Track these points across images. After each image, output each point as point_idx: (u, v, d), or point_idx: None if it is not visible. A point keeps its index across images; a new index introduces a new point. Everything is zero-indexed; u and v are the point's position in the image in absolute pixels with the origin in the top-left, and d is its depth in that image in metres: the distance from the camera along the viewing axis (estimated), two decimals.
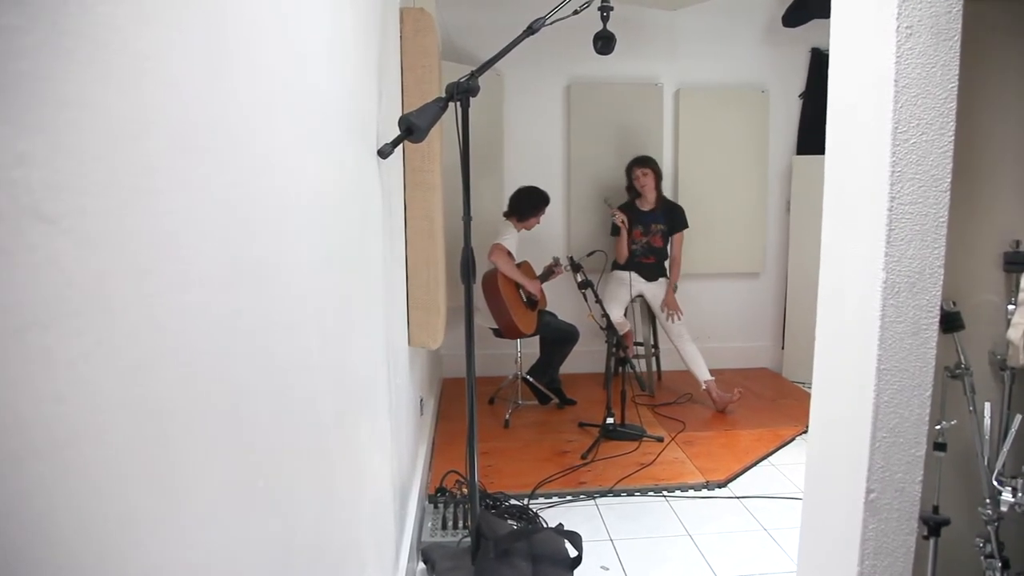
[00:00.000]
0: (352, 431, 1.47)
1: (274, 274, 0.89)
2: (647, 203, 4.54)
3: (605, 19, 2.67)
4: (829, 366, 1.52)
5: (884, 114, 1.34)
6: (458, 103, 2.00)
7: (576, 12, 2.24)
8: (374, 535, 1.77)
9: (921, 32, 1.29)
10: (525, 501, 3.07)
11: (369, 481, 1.69)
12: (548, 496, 3.16)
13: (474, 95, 2.00)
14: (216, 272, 0.69)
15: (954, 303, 1.52)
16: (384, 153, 1.94)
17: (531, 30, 2.15)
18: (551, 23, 2.18)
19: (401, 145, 2.67)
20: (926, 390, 1.40)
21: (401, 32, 2.62)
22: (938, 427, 1.50)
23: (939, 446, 1.51)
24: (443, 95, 1.97)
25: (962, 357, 1.52)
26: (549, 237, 4.99)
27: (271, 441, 0.87)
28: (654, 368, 4.85)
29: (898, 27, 1.28)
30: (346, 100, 1.51)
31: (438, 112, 1.98)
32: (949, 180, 1.37)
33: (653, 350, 4.83)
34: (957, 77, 1.31)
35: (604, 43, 2.48)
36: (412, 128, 1.93)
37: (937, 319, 1.41)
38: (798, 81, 5.15)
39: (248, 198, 0.79)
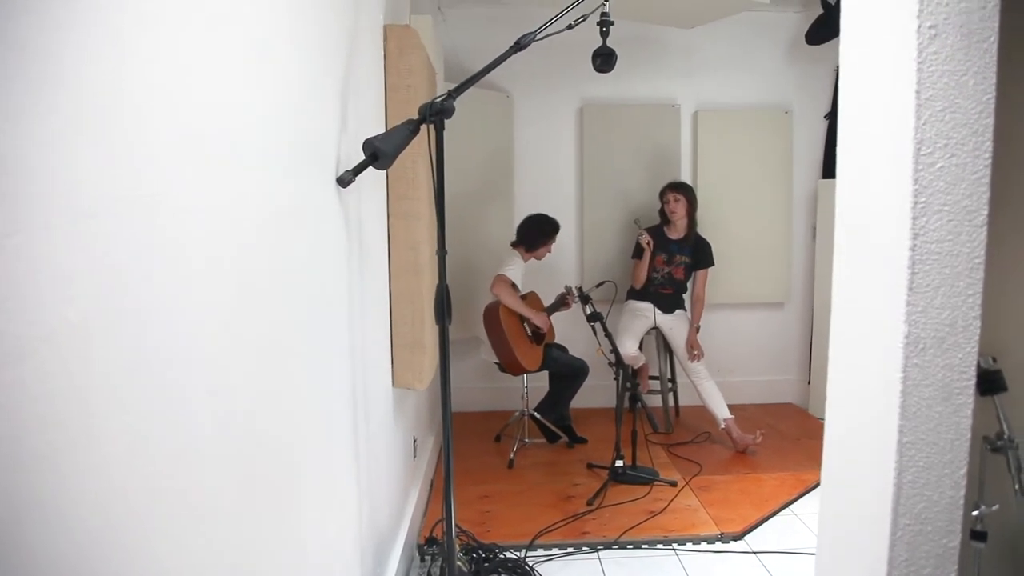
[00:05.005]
0: (283, 511, 1.26)
1: (113, 343, 0.69)
2: (676, 231, 4.34)
3: (604, 34, 2.47)
4: (840, 438, 1.28)
5: (904, 133, 1.10)
6: (431, 125, 1.80)
7: (570, 27, 2.06)
8: None
9: (948, 32, 1.05)
10: (522, 553, 2.83)
11: (314, 559, 1.48)
12: (548, 547, 2.91)
13: (448, 116, 1.80)
14: None
15: (994, 359, 1.27)
16: (344, 181, 1.75)
17: (518, 46, 1.98)
18: (541, 38, 2.01)
19: (384, 172, 2.51)
20: (960, 467, 1.15)
21: (385, 51, 2.45)
22: (976, 512, 1.24)
23: (977, 535, 1.25)
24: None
25: (1004, 426, 1.26)
26: (562, 264, 4.78)
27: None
28: (671, 404, 4.58)
29: (919, 27, 1.05)
30: (283, 123, 1.32)
31: (408, 135, 1.79)
32: (986, 212, 1.13)
33: (670, 385, 4.57)
34: (994, 87, 1.08)
35: (603, 60, 2.28)
36: (377, 153, 1.74)
37: (973, 380, 1.16)
38: (823, 101, 4.91)
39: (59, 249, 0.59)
